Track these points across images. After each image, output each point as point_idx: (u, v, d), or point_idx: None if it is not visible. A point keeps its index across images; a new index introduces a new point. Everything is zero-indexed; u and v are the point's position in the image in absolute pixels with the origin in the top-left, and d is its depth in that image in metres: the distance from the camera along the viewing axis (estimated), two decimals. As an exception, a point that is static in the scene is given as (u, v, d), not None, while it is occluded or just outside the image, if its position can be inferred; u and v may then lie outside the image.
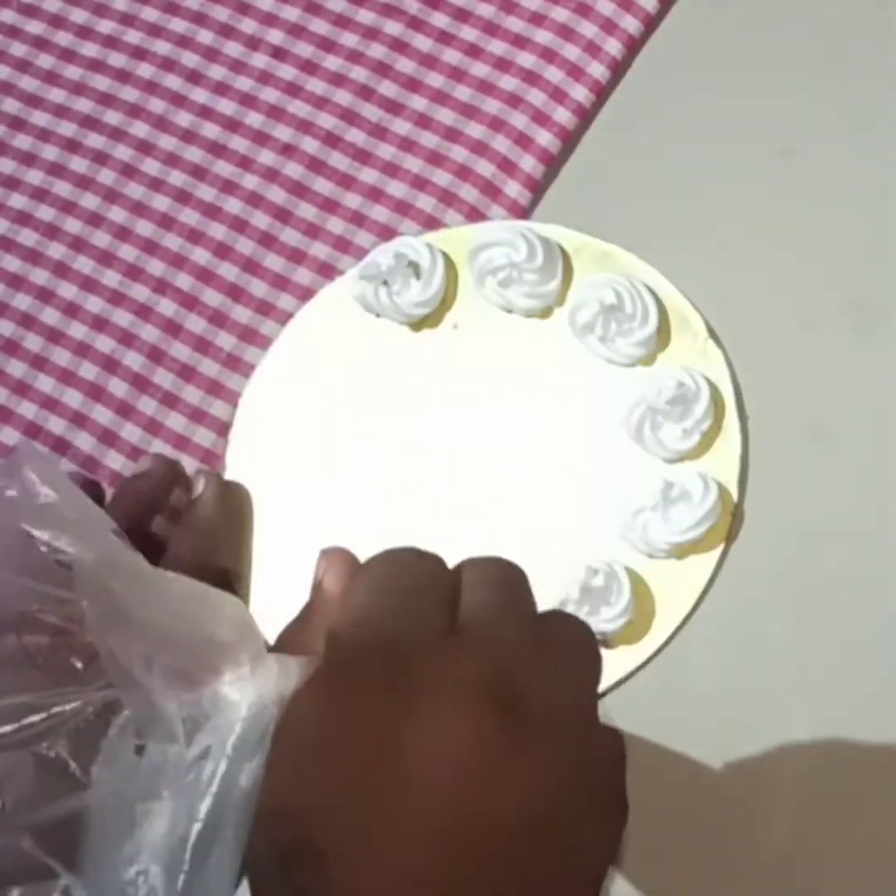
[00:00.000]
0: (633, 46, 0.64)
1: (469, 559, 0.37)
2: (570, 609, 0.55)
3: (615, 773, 0.35)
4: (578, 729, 0.34)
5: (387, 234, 0.63)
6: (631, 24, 0.64)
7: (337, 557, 0.37)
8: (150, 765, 0.32)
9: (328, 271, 0.63)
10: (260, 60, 0.67)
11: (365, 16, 0.66)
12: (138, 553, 0.35)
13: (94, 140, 0.67)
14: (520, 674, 0.33)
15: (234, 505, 0.59)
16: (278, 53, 0.67)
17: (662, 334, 0.58)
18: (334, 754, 0.32)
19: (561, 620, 0.37)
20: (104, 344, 0.64)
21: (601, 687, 0.55)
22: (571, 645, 0.37)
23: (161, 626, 0.33)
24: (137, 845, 0.31)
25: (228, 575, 0.58)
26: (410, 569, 0.36)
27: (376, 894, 0.30)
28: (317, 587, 0.37)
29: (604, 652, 0.55)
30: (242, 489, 0.60)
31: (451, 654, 0.33)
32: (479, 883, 0.31)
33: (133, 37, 0.68)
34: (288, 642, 0.37)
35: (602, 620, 0.55)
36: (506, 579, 0.37)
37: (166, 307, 0.64)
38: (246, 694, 0.33)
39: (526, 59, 0.64)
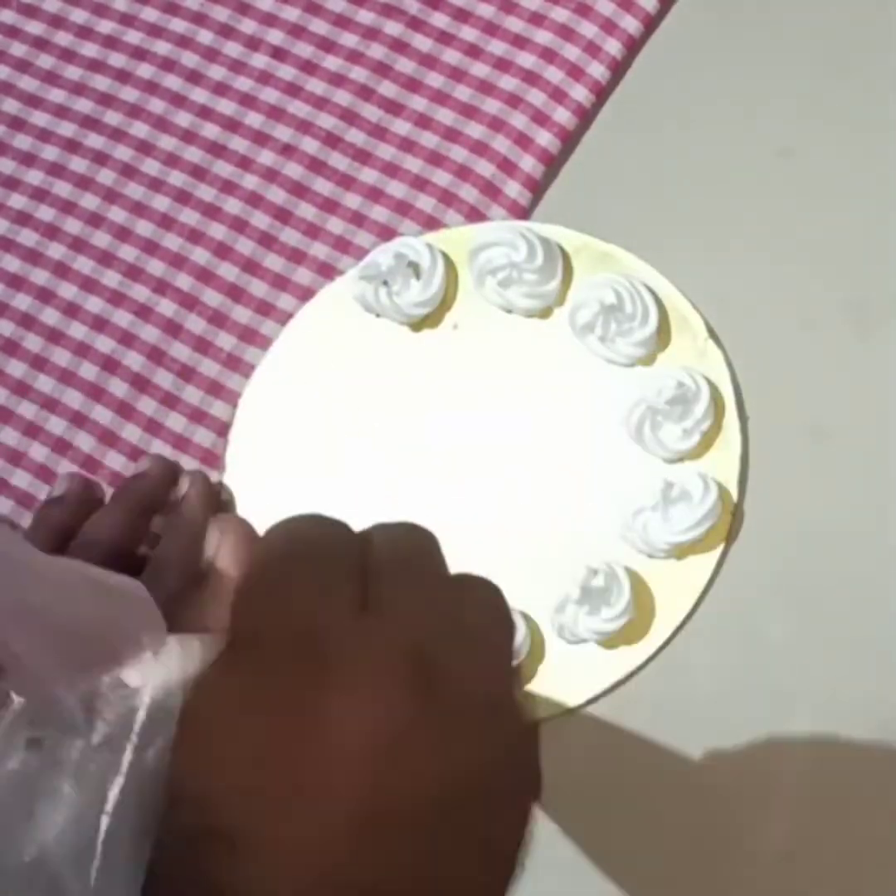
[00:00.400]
0: (633, 46, 0.64)
1: (376, 525, 0.36)
2: (569, 609, 0.55)
3: (529, 745, 0.35)
4: (493, 701, 0.34)
5: (387, 234, 0.63)
6: (631, 25, 0.64)
7: (231, 527, 0.36)
8: (47, 758, 0.31)
9: (328, 271, 0.63)
10: (260, 60, 0.67)
11: (365, 16, 0.66)
12: (27, 543, 0.34)
13: (94, 140, 0.67)
14: (432, 647, 0.33)
15: (219, 504, 0.59)
16: (278, 53, 0.67)
17: (662, 334, 0.58)
18: (243, 736, 0.31)
19: (472, 586, 0.36)
20: (104, 344, 0.64)
21: (601, 687, 0.55)
22: (484, 611, 0.36)
23: (56, 613, 0.32)
24: (40, 841, 0.30)
25: None
26: (314, 538, 0.35)
27: (291, 878, 0.29)
28: (211, 560, 0.36)
29: (604, 652, 0.55)
30: (228, 489, 0.60)
31: (362, 630, 0.32)
32: (397, 860, 0.30)
33: (133, 37, 0.68)
34: (186, 620, 0.36)
35: (602, 620, 0.55)
36: (416, 546, 0.36)
37: (166, 307, 0.64)
38: (148, 678, 0.32)
39: (526, 60, 0.64)
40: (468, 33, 0.65)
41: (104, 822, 0.30)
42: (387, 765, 0.31)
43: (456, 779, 0.32)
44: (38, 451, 0.63)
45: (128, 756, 0.31)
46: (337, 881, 0.30)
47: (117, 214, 0.66)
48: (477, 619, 0.35)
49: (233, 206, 0.65)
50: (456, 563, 0.58)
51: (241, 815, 0.30)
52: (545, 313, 0.60)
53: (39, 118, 0.68)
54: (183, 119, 0.67)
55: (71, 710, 0.31)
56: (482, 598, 0.36)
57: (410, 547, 0.36)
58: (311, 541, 0.35)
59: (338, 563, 0.34)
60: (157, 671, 0.32)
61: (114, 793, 0.30)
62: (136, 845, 0.30)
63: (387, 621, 0.33)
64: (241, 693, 0.31)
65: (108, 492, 0.62)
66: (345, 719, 0.31)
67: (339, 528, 0.35)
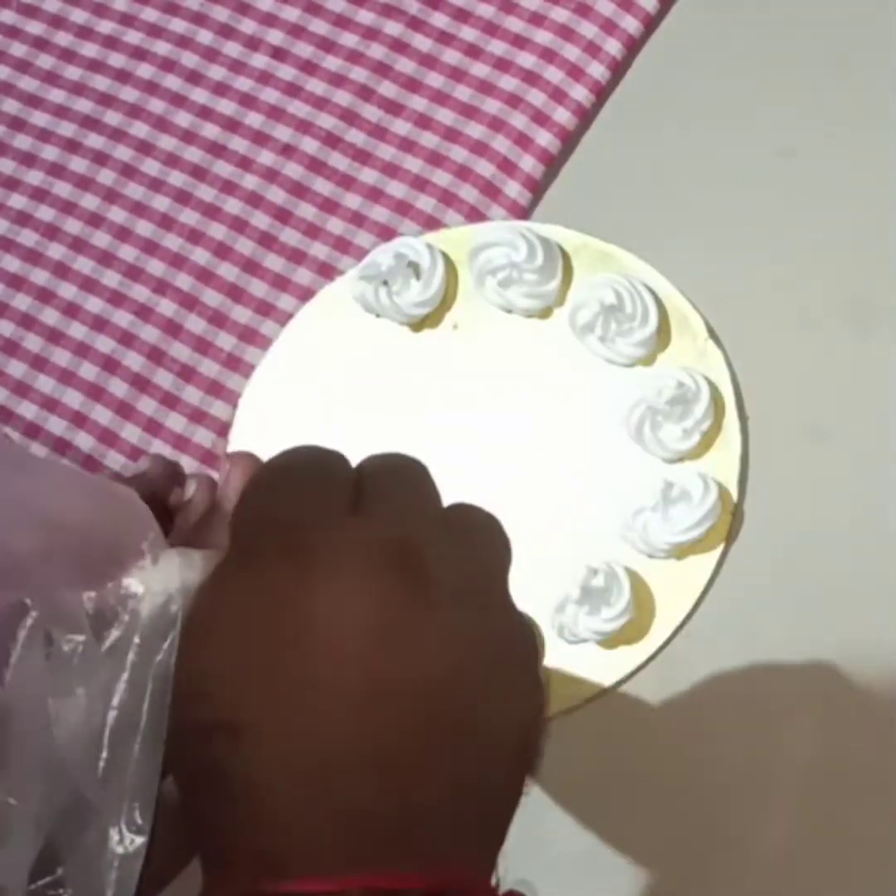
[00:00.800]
0: (633, 46, 0.64)
1: (371, 455, 0.37)
2: (569, 609, 0.55)
3: (528, 653, 0.35)
4: (488, 604, 0.35)
5: (387, 234, 0.63)
6: (631, 25, 0.64)
7: (241, 460, 0.37)
8: (60, 662, 0.32)
9: (328, 271, 0.63)
10: (260, 61, 0.67)
11: (365, 16, 0.66)
12: (24, 448, 0.35)
13: (94, 140, 0.67)
14: (421, 544, 0.34)
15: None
16: (278, 54, 0.67)
17: (662, 334, 0.58)
18: (241, 633, 0.32)
19: (468, 509, 0.37)
20: (104, 344, 0.64)
21: (601, 687, 0.55)
22: (480, 530, 0.37)
23: (57, 520, 0.33)
24: (55, 740, 0.31)
25: None
26: (309, 459, 0.36)
27: (293, 764, 0.31)
28: (221, 488, 0.37)
29: (604, 652, 0.55)
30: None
31: (351, 527, 0.33)
32: (394, 745, 0.31)
33: (133, 37, 0.68)
34: (191, 542, 0.37)
35: (602, 620, 0.55)
36: (409, 470, 0.37)
37: (166, 307, 0.64)
38: (150, 584, 0.33)
39: (526, 60, 0.64)
40: (468, 33, 0.65)
41: (111, 716, 0.31)
42: (380, 652, 0.32)
43: (449, 667, 0.32)
44: (38, 451, 0.63)
45: (131, 657, 0.32)
46: (338, 765, 0.31)
47: (117, 214, 0.66)
48: (474, 535, 0.36)
49: (233, 206, 0.65)
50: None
51: (243, 707, 0.31)
52: (545, 313, 0.60)
53: (39, 118, 0.68)
54: (183, 119, 0.67)
55: (78, 617, 0.32)
56: (479, 519, 0.37)
57: (402, 465, 0.37)
58: (305, 458, 0.36)
59: (329, 475, 0.35)
60: (158, 578, 0.33)
61: (120, 692, 0.32)
62: (147, 742, 0.31)
63: (375, 519, 0.34)
64: (237, 594, 0.32)
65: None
66: (336, 611, 0.32)
67: (333, 453, 0.37)
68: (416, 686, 0.32)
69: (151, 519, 0.34)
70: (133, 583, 0.33)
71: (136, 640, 0.32)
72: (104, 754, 0.31)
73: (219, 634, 0.32)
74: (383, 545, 0.33)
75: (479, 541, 0.36)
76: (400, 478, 0.36)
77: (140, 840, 0.31)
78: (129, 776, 0.31)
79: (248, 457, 0.38)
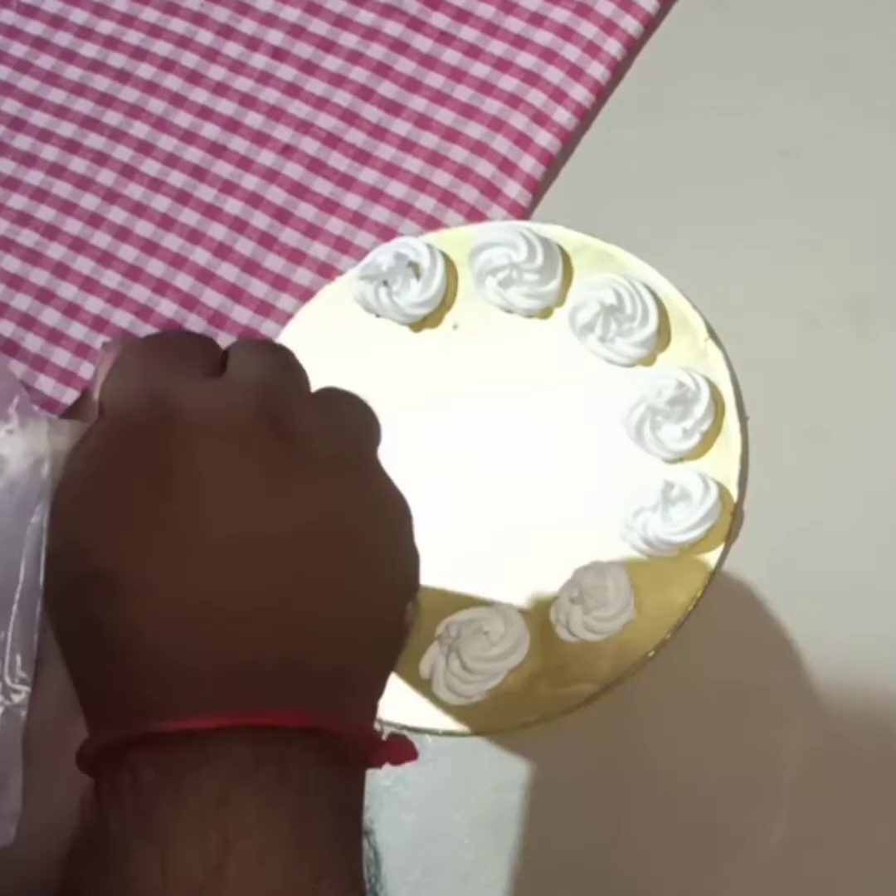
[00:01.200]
0: (633, 47, 0.64)
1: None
2: (568, 608, 0.55)
3: (402, 517, 0.37)
4: (360, 467, 0.36)
5: (387, 234, 0.63)
6: (631, 25, 0.64)
7: (113, 347, 0.38)
8: None
9: (328, 271, 0.63)
10: (260, 61, 0.67)
11: (365, 16, 0.66)
12: None
13: (94, 140, 0.67)
14: (292, 408, 0.34)
15: None
16: (278, 54, 0.67)
17: (662, 334, 0.58)
18: (116, 492, 0.33)
19: (334, 388, 0.38)
20: (104, 344, 0.64)
21: (600, 687, 0.55)
22: (347, 403, 0.38)
23: None
24: None
25: None
26: (176, 336, 0.37)
27: (169, 613, 0.32)
28: (94, 376, 0.38)
29: (604, 652, 0.55)
30: None
31: (219, 389, 0.34)
32: (271, 594, 0.32)
33: (133, 37, 0.68)
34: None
35: (601, 620, 0.55)
36: (275, 348, 0.38)
37: (166, 307, 0.64)
38: (17, 447, 0.33)
39: (526, 60, 0.64)
40: (468, 33, 0.65)
41: None
42: (252, 505, 0.33)
43: (324, 519, 0.33)
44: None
45: (3, 518, 0.32)
46: (215, 613, 0.32)
47: (117, 214, 0.66)
48: (333, 397, 0.37)
49: (233, 206, 0.65)
50: (456, 562, 0.58)
51: (119, 561, 0.32)
52: (545, 313, 0.60)
53: (39, 118, 0.68)
54: (183, 119, 0.67)
55: None
56: (339, 389, 0.38)
57: (268, 343, 0.39)
58: (173, 335, 0.38)
59: (195, 348, 0.36)
60: (25, 441, 0.33)
61: None
62: (26, 597, 0.32)
63: (238, 383, 0.35)
64: (108, 456, 0.33)
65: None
66: (206, 467, 0.33)
67: (200, 335, 0.38)
68: (292, 537, 0.33)
69: (18, 384, 0.35)
70: (0, 444, 0.33)
71: (6, 503, 0.32)
72: None
73: (91, 495, 0.33)
74: (250, 404, 0.34)
75: (346, 412, 0.37)
76: (264, 352, 0.37)
77: (24, 690, 0.32)
78: (11, 630, 0.32)
79: (121, 344, 0.39)
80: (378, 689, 0.36)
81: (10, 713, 0.32)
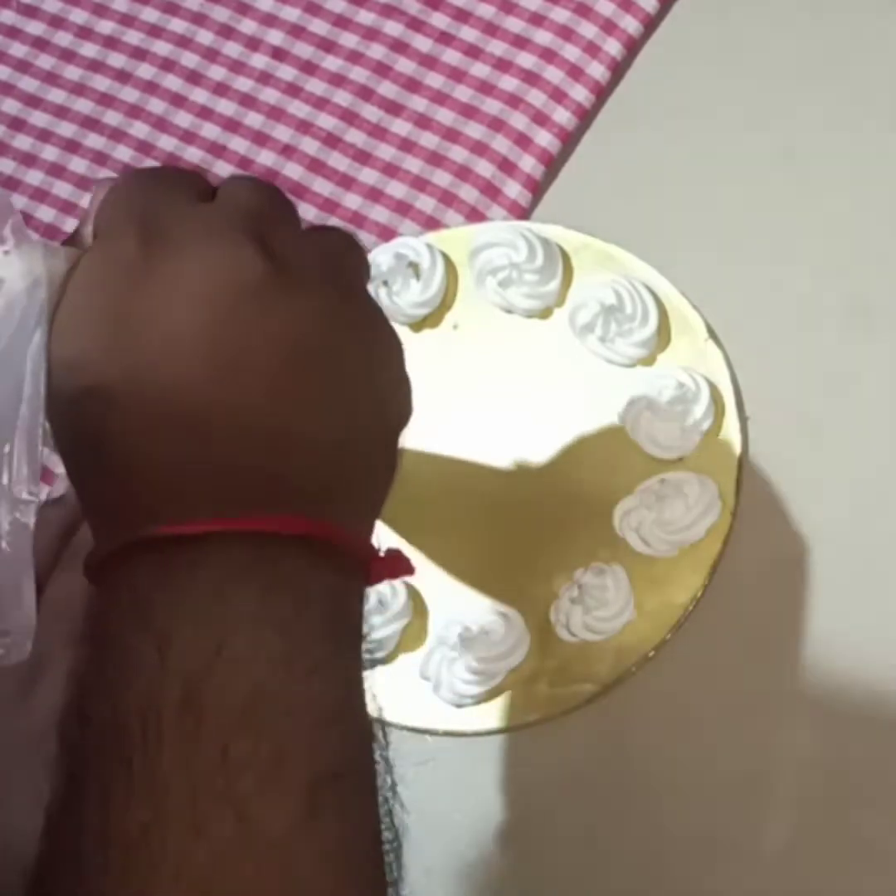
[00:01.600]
0: (633, 47, 0.64)
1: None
2: (567, 608, 0.55)
3: (391, 342, 0.37)
4: (348, 292, 0.36)
5: (387, 234, 0.63)
6: (631, 25, 0.64)
7: (107, 181, 0.39)
8: None
9: (328, 271, 0.63)
10: (260, 61, 0.67)
11: (365, 16, 0.66)
12: None
13: (94, 140, 0.67)
14: (282, 233, 0.35)
15: None
16: (278, 54, 0.67)
17: (662, 334, 0.58)
18: (109, 310, 0.34)
19: (324, 226, 0.39)
20: (104, 344, 0.64)
21: (600, 687, 0.55)
22: (336, 233, 0.38)
23: None
24: None
25: None
26: (168, 167, 0.39)
27: (162, 425, 0.33)
28: (87, 210, 0.39)
29: (604, 652, 0.55)
30: None
31: (202, 212, 0.35)
32: (262, 407, 0.33)
33: (133, 37, 0.68)
34: None
35: (601, 620, 0.55)
36: (267, 184, 0.38)
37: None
38: (14, 268, 0.34)
39: (526, 60, 0.64)
40: (468, 34, 0.65)
41: None
42: (242, 320, 0.34)
43: (312, 335, 0.34)
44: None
45: (4, 340, 0.33)
46: (208, 425, 0.33)
47: (117, 215, 0.66)
48: (320, 228, 0.38)
49: (233, 206, 0.65)
50: (456, 562, 0.58)
51: (113, 376, 0.33)
52: (545, 314, 0.60)
53: (39, 118, 0.68)
54: (183, 119, 0.67)
55: None
56: (333, 229, 0.39)
57: (258, 178, 0.39)
58: (164, 167, 0.40)
59: (187, 177, 0.37)
60: (21, 261, 0.34)
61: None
62: (30, 409, 0.33)
63: (227, 207, 0.35)
64: (100, 275, 0.34)
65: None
66: (192, 281, 0.34)
67: (189, 169, 0.39)
68: (280, 351, 0.34)
69: (12, 206, 0.35)
70: None
71: (7, 319, 0.33)
72: None
73: (86, 314, 0.34)
74: (237, 225, 0.34)
75: (334, 239, 0.38)
76: (254, 182, 0.37)
77: (32, 501, 0.33)
78: (15, 443, 0.33)
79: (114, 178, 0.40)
80: (373, 510, 0.37)
81: (18, 524, 0.33)
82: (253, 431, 0.33)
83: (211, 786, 0.30)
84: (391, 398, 0.37)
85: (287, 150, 0.65)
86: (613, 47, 0.64)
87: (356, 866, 0.32)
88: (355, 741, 0.34)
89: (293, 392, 0.34)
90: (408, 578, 0.57)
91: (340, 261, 0.37)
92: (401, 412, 0.38)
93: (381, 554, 0.36)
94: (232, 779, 0.30)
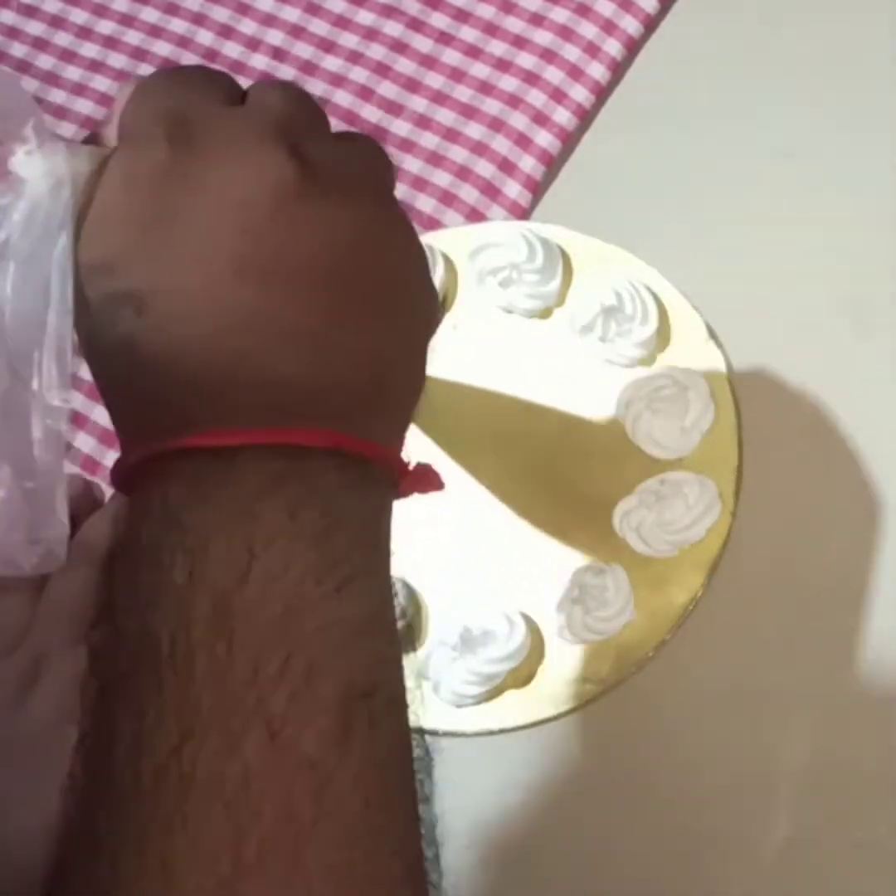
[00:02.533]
0: (633, 47, 0.64)
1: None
2: (568, 609, 0.55)
3: (421, 253, 0.37)
4: (379, 201, 0.36)
5: (387, 234, 0.63)
6: (631, 25, 0.64)
7: (133, 82, 0.37)
8: None
9: (328, 272, 0.63)
10: (260, 61, 0.67)
11: (365, 16, 0.66)
12: None
13: (95, 141, 0.67)
14: (312, 138, 0.34)
15: None
16: (278, 54, 0.67)
17: (662, 334, 0.58)
18: (140, 213, 0.33)
19: (352, 132, 0.38)
20: (104, 344, 0.64)
21: (601, 687, 0.55)
22: (364, 141, 0.37)
23: None
24: None
25: None
26: (195, 69, 0.37)
27: (197, 331, 0.32)
28: (113, 109, 0.37)
29: (603, 652, 0.55)
30: None
31: (233, 115, 0.34)
32: (298, 315, 0.33)
33: (133, 37, 0.68)
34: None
35: (601, 620, 0.55)
36: (298, 89, 0.37)
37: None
38: (36, 168, 0.33)
39: (526, 60, 0.64)
40: (468, 34, 0.65)
41: (18, 289, 0.32)
42: (277, 227, 0.33)
43: (348, 245, 0.34)
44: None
45: (27, 243, 0.32)
46: (243, 332, 0.32)
47: (117, 215, 0.66)
48: (350, 135, 0.37)
49: (233, 206, 0.65)
50: (456, 563, 0.58)
51: (146, 280, 0.32)
52: (545, 314, 0.60)
53: (40, 119, 0.68)
54: (183, 119, 0.67)
55: None
56: (362, 137, 0.38)
57: (292, 87, 0.38)
58: (194, 66, 0.37)
59: (212, 79, 0.36)
60: (44, 162, 0.33)
61: (25, 269, 0.32)
62: (58, 312, 0.32)
63: (257, 110, 0.35)
64: (128, 178, 0.33)
65: (108, 493, 0.62)
66: (224, 186, 0.33)
67: (220, 70, 0.37)
68: (318, 258, 0.33)
69: (34, 105, 0.34)
70: (20, 167, 0.33)
71: (32, 220, 0.33)
72: (23, 319, 0.32)
73: (115, 216, 0.33)
74: (268, 128, 0.34)
75: (363, 147, 0.37)
76: (285, 87, 0.37)
77: (64, 408, 0.32)
78: (45, 349, 0.32)
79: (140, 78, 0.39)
80: (403, 423, 0.36)
81: (51, 431, 0.32)
82: (290, 339, 0.33)
83: (242, 703, 0.29)
84: (423, 306, 0.37)
85: (287, 151, 0.65)
86: (613, 47, 0.64)
87: (388, 786, 0.32)
88: (386, 657, 0.33)
89: (331, 299, 0.33)
90: (407, 578, 0.58)
91: (371, 167, 0.36)
92: (430, 320, 0.37)
93: (411, 468, 0.36)
94: (263, 695, 0.30)
